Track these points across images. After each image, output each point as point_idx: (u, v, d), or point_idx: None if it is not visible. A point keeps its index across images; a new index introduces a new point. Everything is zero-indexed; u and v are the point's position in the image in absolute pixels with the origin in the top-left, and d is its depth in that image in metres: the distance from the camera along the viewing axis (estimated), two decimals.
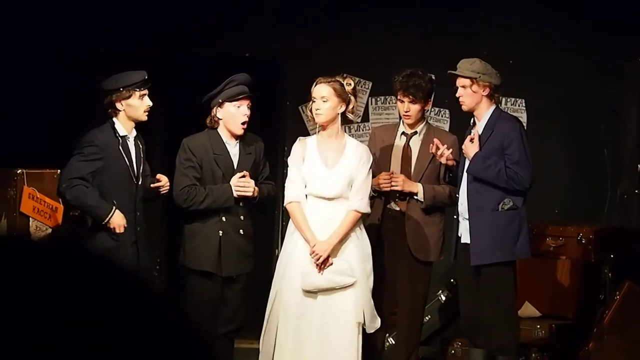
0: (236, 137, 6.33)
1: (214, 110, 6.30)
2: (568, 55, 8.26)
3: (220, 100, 6.26)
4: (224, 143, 6.33)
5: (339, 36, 8.41)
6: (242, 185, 6.25)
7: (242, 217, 6.32)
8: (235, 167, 6.32)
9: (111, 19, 8.16)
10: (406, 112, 6.48)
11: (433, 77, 6.70)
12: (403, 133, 6.60)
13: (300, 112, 8.28)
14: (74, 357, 0.91)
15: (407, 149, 6.57)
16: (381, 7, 8.49)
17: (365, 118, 8.44)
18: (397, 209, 6.53)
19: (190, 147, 6.30)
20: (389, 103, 8.36)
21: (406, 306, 6.56)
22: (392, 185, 6.43)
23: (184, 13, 8.39)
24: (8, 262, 0.97)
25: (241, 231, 6.31)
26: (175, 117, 8.25)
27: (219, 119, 6.31)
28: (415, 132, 6.58)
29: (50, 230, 6.58)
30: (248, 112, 6.28)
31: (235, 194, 6.24)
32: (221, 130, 6.33)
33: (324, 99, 5.99)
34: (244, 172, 6.28)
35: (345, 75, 6.14)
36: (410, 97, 6.42)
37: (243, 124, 6.28)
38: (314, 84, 6.07)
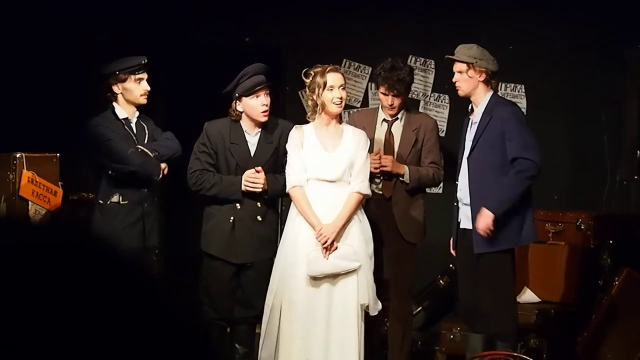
0: (259, 125, 6.29)
1: (234, 104, 6.27)
2: (568, 42, 8.24)
3: (237, 95, 6.24)
4: (243, 132, 6.29)
5: (339, 21, 8.39)
6: (252, 180, 6.23)
7: (258, 204, 6.28)
8: (252, 156, 6.29)
9: (112, 3, 8.13)
10: (391, 105, 6.50)
11: (412, 66, 6.76)
12: (384, 120, 6.61)
13: (299, 97, 8.27)
14: (68, 342, 0.91)
15: (389, 135, 6.58)
16: None
17: (365, 103, 8.43)
18: (380, 192, 6.54)
19: (208, 132, 6.29)
20: None
21: (396, 290, 6.58)
22: (381, 165, 6.44)
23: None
24: (6, 245, 0.97)
25: (259, 217, 6.28)
26: (175, 103, 8.24)
27: (239, 112, 6.28)
28: (397, 118, 6.59)
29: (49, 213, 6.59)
30: (267, 101, 6.22)
31: (243, 187, 6.22)
32: (243, 120, 6.31)
33: (342, 87, 6.02)
34: (258, 167, 6.24)
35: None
36: (395, 91, 6.44)
37: (264, 112, 6.24)
38: (327, 70, 6.05)
